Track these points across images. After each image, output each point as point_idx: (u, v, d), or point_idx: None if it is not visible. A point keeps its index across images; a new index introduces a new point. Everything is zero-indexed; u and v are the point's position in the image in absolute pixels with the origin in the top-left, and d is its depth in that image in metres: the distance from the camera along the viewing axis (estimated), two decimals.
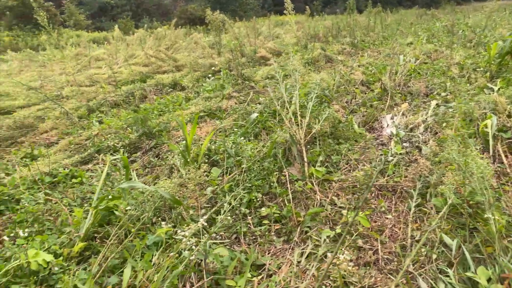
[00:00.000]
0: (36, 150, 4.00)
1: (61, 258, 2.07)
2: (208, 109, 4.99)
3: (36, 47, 17.42)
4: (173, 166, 3.31)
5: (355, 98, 4.95)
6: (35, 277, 1.92)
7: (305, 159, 2.87)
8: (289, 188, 2.61)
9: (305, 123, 3.15)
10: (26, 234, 2.23)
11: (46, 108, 5.57)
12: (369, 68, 6.58)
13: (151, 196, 2.44)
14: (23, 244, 2.09)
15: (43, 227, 2.51)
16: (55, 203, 2.82)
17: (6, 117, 5.24)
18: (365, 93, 5.18)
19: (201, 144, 3.46)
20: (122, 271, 1.99)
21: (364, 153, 3.33)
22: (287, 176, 2.73)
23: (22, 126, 4.81)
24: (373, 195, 2.73)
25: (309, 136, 3.14)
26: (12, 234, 2.45)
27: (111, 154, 3.87)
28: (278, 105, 3.79)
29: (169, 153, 3.63)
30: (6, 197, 2.97)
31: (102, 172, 3.07)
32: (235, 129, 4.09)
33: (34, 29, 21.67)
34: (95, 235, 2.32)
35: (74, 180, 3.28)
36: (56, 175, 3.33)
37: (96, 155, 3.86)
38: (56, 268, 1.96)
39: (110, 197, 2.26)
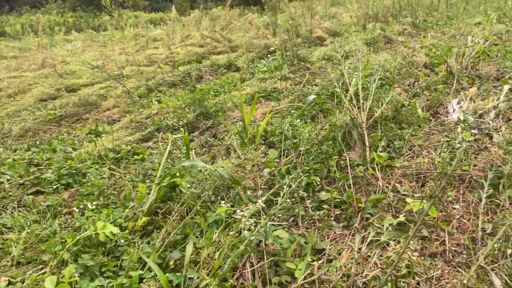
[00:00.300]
0: (100, 127, 4.17)
1: (126, 231, 2.15)
2: (263, 90, 4.96)
3: (97, 27, 18.14)
4: (230, 146, 3.33)
5: (418, 81, 4.70)
6: (102, 248, 2.01)
7: (367, 144, 2.77)
8: (349, 173, 2.54)
9: (367, 106, 3.03)
10: (93, 207, 2.33)
11: (108, 86, 5.79)
12: (432, 49, 6.22)
13: (210, 175, 2.47)
14: (91, 216, 2.19)
15: (108, 201, 2.63)
16: (119, 178, 2.93)
17: (72, 94, 5.52)
18: (429, 76, 4.91)
19: (258, 126, 3.44)
20: (184, 247, 2.04)
21: (428, 139, 3.16)
22: (347, 160, 2.66)
23: (86, 103, 5.04)
24: (438, 183, 2.59)
25: (371, 120, 3.02)
26: (80, 206, 2.59)
27: (170, 132, 3.97)
28: (338, 86, 3.68)
29: (226, 133, 3.65)
30: (74, 171, 3.13)
31: (163, 149, 3.15)
32: (291, 111, 4.04)
33: (96, 10, 22.54)
34: (157, 210, 2.39)
35: (136, 157, 3.39)
36: (119, 152, 3.46)
37: (156, 133, 3.96)
38: (122, 241, 2.04)
39: (173, 174, 2.30)
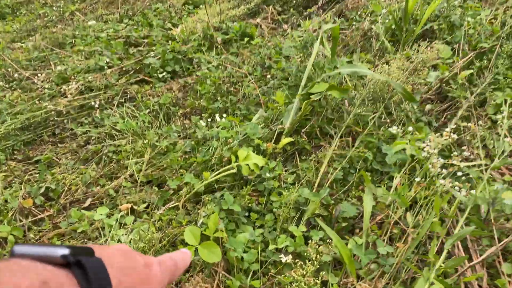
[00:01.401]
0: None
1: (267, 161, 1.68)
2: None
3: None
4: (368, 33, 2.58)
5: None
6: (244, 184, 1.57)
7: None
8: None
9: None
10: (223, 119, 1.84)
11: None
12: None
13: (372, 84, 1.83)
14: (225, 138, 1.71)
15: (227, 101, 2.13)
16: (234, 71, 2.38)
17: None
18: None
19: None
20: (347, 190, 1.55)
21: None
22: None
23: None
24: None
25: None
26: (194, 107, 2.14)
27: (280, 6, 3.22)
28: None
29: (356, 12, 2.85)
30: (179, 56, 2.61)
31: (296, 37, 2.48)
32: None
33: None
34: (298, 128, 1.86)
35: (246, 39, 2.77)
36: (227, 31, 2.84)
37: (264, 6, 3.23)
38: (267, 175, 1.57)
39: (330, 85, 1.69)
